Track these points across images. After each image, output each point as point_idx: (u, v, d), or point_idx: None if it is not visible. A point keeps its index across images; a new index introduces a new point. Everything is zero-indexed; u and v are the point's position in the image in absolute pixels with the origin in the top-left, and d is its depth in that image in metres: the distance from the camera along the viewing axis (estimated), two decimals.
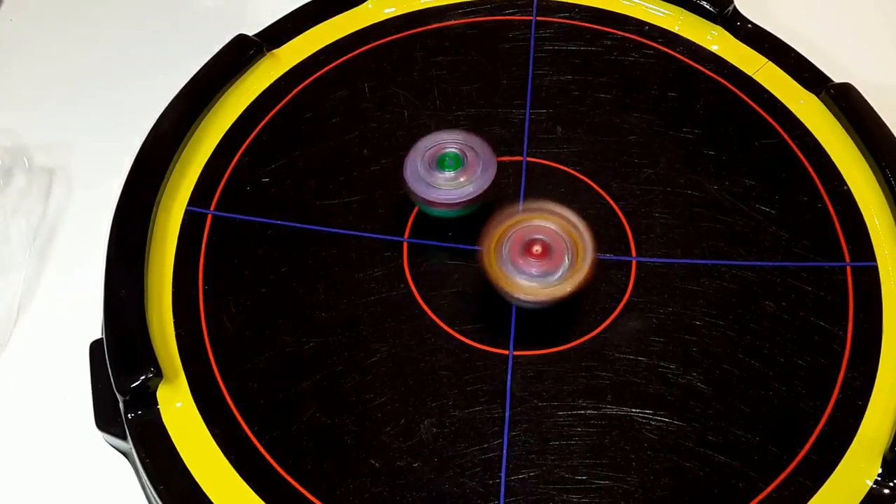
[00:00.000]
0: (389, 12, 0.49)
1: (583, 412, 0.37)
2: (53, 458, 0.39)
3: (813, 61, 0.47)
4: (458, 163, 0.40)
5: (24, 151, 0.45)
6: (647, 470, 0.36)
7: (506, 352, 0.38)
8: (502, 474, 0.36)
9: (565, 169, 0.44)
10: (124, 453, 0.38)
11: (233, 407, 0.37)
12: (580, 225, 0.38)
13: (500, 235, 0.38)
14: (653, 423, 0.37)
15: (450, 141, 0.41)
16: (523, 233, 0.38)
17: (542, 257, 0.37)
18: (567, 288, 0.37)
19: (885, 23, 0.52)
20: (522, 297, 0.37)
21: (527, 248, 0.37)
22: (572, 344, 0.39)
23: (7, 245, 0.42)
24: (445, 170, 0.40)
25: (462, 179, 0.40)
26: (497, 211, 0.38)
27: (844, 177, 0.43)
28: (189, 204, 0.42)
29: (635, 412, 0.37)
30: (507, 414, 0.37)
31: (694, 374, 0.38)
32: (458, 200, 0.39)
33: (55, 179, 0.45)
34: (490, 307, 0.40)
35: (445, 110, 0.45)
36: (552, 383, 0.38)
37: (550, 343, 0.39)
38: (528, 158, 0.44)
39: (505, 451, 0.36)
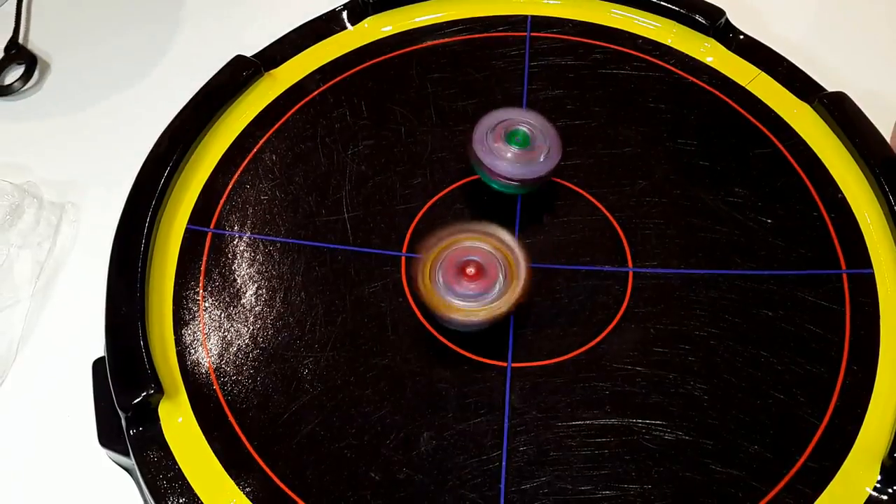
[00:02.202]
0: (386, 31, 0.49)
1: (582, 423, 0.37)
2: (58, 475, 0.39)
3: (806, 71, 0.47)
4: (526, 142, 0.41)
5: (34, 188, 0.46)
6: (646, 479, 0.36)
7: (504, 364, 0.39)
8: (502, 486, 0.36)
9: (561, 182, 0.44)
10: (127, 469, 0.39)
11: (233, 422, 0.37)
12: (511, 242, 0.38)
13: (432, 260, 0.38)
14: (652, 433, 0.37)
15: (524, 121, 0.41)
16: (456, 255, 0.38)
17: (476, 279, 0.37)
18: (503, 307, 0.37)
19: (877, 32, 0.53)
20: (460, 318, 0.37)
21: (461, 269, 0.37)
22: (570, 355, 0.39)
23: (12, 281, 0.43)
24: (512, 145, 0.41)
25: (530, 157, 0.41)
26: (429, 235, 0.39)
27: (839, 185, 0.44)
28: (189, 222, 0.42)
29: (635, 422, 0.37)
30: (505, 425, 0.37)
31: (692, 383, 0.38)
32: (514, 175, 0.40)
33: (65, 215, 0.46)
34: None
35: (442, 126, 0.46)
36: (551, 395, 0.38)
37: (548, 355, 0.39)
38: None
39: (504, 463, 0.36)
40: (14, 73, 0.51)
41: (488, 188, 0.43)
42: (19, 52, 0.51)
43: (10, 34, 0.52)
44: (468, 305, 0.37)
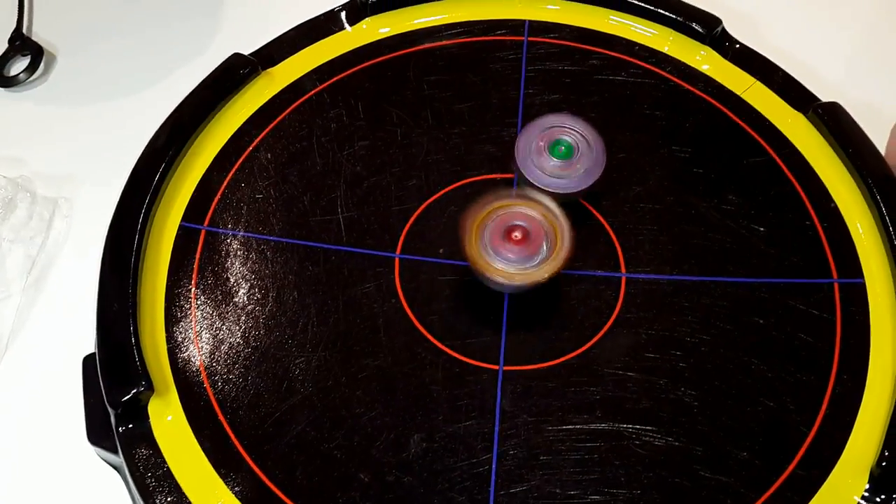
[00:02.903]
0: (384, 32, 0.49)
1: (572, 427, 0.37)
2: (46, 471, 0.39)
3: (801, 81, 0.47)
4: (569, 153, 0.41)
5: (28, 182, 0.46)
6: (636, 485, 0.36)
7: (496, 367, 0.39)
8: (491, 489, 0.36)
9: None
10: (115, 467, 0.39)
11: (223, 421, 0.37)
12: (560, 215, 0.38)
13: (482, 218, 0.38)
14: (642, 438, 0.37)
15: (568, 129, 0.41)
16: (505, 218, 0.38)
17: (521, 244, 0.38)
18: (543, 274, 0.37)
19: (872, 43, 0.53)
20: (499, 279, 0.37)
21: (507, 233, 0.38)
22: (562, 359, 0.39)
23: (3, 276, 0.43)
24: (554, 156, 0.41)
25: (566, 171, 0.41)
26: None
27: (832, 194, 0.44)
28: (183, 219, 0.42)
29: (625, 427, 0.37)
30: (496, 429, 0.37)
31: (683, 389, 0.38)
32: (552, 189, 0.40)
33: (57, 210, 0.46)
34: (481, 323, 0.40)
35: (438, 128, 0.46)
36: (542, 399, 0.38)
37: (540, 358, 0.39)
38: None
39: (494, 466, 0.36)
40: (18, 65, 0.51)
41: (482, 190, 0.43)
42: (24, 44, 0.51)
43: (13, 25, 0.52)
44: (510, 269, 0.37)
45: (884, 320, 0.40)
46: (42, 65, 0.51)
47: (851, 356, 0.39)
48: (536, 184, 0.41)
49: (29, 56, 0.51)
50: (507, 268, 0.37)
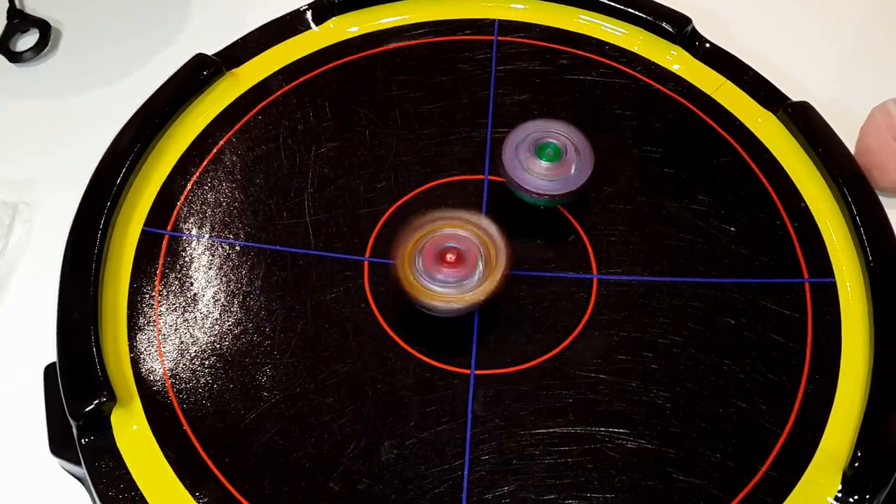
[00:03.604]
0: (351, 31, 0.49)
1: (545, 431, 0.37)
2: (8, 483, 0.38)
3: (771, 80, 0.47)
4: (557, 155, 0.40)
5: None
6: (609, 489, 0.36)
7: (467, 371, 0.38)
8: (464, 496, 0.35)
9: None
10: (79, 479, 0.38)
11: (189, 431, 0.36)
12: (493, 231, 0.38)
13: (413, 245, 0.38)
14: (615, 441, 0.37)
15: (555, 132, 0.41)
16: (437, 241, 0.38)
17: (455, 266, 0.37)
18: (481, 295, 0.37)
19: (842, 42, 0.53)
20: (438, 304, 0.37)
21: (440, 256, 0.37)
22: (534, 363, 0.39)
23: None
24: (542, 159, 0.40)
25: (555, 173, 0.40)
26: (410, 221, 0.38)
27: (802, 194, 0.44)
28: (145, 224, 0.41)
29: (597, 430, 0.37)
30: (468, 434, 0.37)
31: (655, 391, 0.38)
32: (543, 191, 0.40)
33: (17, 215, 0.45)
34: (451, 327, 0.39)
35: (407, 129, 0.45)
36: (514, 403, 0.38)
37: (512, 362, 0.39)
38: (490, 177, 0.44)
39: (466, 472, 0.36)
40: (23, 42, 0.51)
41: (452, 192, 0.43)
42: (24, 20, 0.50)
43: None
44: (447, 292, 0.37)
45: (855, 319, 0.40)
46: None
47: (823, 356, 0.39)
48: (528, 188, 0.40)
49: (37, 32, 0.50)
50: (444, 291, 0.37)
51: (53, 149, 0.48)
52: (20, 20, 0.51)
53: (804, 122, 0.45)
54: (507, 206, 0.43)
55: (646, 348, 0.39)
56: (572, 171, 0.40)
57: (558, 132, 0.41)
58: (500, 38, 0.49)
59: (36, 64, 0.51)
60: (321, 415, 0.37)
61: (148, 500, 0.35)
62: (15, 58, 0.50)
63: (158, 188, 0.42)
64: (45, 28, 0.50)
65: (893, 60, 0.52)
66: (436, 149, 0.45)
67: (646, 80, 0.47)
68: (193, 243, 0.41)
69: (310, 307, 0.40)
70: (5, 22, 0.51)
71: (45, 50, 0.50)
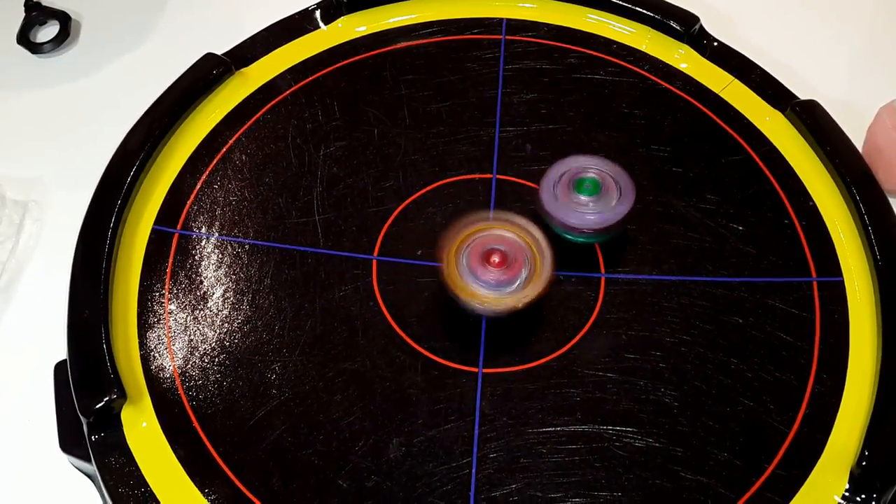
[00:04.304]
0: (360, 31, 0.49)
1: (552, 430, 0.37)
2: (18, 480, 0.38)
3: (779, 78, 0.47)
4: (596, 189, 0.39)
5: None
6: (616, 487, 0.36)
7: (475, 369, 0.38)
8: (471, 493, 0.35)
9: (535, 186, 0.43)
10: (89, 475, 0.38)
11: (198, 428, 0.36)
12: (540, 238, 0.38)
13: (460, 242, 0.38)
14: (623, 439, 0.37)
15: (593, 167, 0.40)
16: (483, 241, 0.38)
17: (500, 267, 0.37)
18: (523, 299, 0.37)
19: (850, 40, 0.53)
20: (477, 305, 0.37)
21: (486, 256, 0.37)
22: (542, 361, 0.39)
23: None
24: (581, 193, 0.39)
25: (594, 206, 0.39)
26: (462, 218, 0.38)
27: (810, 193, 0.44)
28: (155, 222, 0.42)
29: (605, 429, 0.37)
30: (476, 432, 0.37)
31: (663, 390, 0.38)
32: (581, 226, 0.39)
33: (28, 214, 0.45)
34: (460, 325, 0.39)
35: (415, 128, 0.45)
36: (522, 401, 0.38)
37: (520, 360, 0.39)
38: (498, 176, 0.44)
39: (474, 470, 0.36)
40: (44, 34, 0.51)
41: (460, 191, 0.43)
42: (42, 12, 0.51)
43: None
44: (488, 293, 0.37)
45: (863, 319, 0.40)
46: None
47: (831, 355, 0.39)
48: (569, 223, 0.39)
49: (57, 24, 0.51)
50: (487, 292, 0.37)
51: (64, 147, 0.48)
52: (38, 12, 0.51)
53: (812, 120, 0.45)
54: (514, 204, 0.43)
55: (654, 347, 0.39)
56: (614, 201, 0.39)
57: (595, 167, 0.40)
58: (508, 37, 0.49)
59: (57, 55, 0.51)
60: (330, 412, 0.37)
61: (157, 497, 0.35)
62: (36, 49, 0.50)
63: (168, 187, 0.43)
64: (64, 19, 0.51)
65: None
66: (444, 148, 0.45)
67: (654, 78, 0.47)
68: (203, 242, 0.41)
69: (318, 305, 0.40)
70: (23, 14, 0.51)
71: (67, 41, 0.51)
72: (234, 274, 0.41)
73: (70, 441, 0.37)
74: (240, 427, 0.37)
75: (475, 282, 0.37)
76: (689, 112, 0.46)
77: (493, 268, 0.37)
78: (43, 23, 0.51)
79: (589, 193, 0.39)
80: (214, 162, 0.44)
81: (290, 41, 0.48)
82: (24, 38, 0.50)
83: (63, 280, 0.39)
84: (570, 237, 0.40)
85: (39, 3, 0.51)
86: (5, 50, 0.51)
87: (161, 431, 0.36)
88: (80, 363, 0.37)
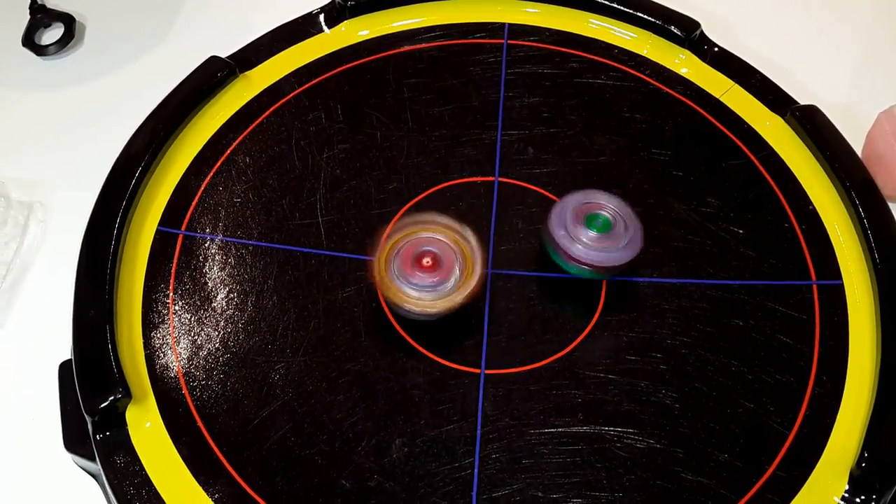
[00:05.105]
0: (363, 35, 0.49)
1: (554, 430, 0.37)
2: (22, 479, 0.39)
3: (778, 84, 0.48)
4: (606, 227, 0.39)
5: (2, 187, 0.45)
6: (617, 488, 0.36)
7: (477, 370, 0.39)
8: (473, 493, 0.36)
9: (537, 189, 0.44)
10: (93, 475, 0.38)
11: (202, 427, 0.37)
12: (470, 237, 0.38)
13: (390, 247, 0.38)
14: (624, 440, 0.37)
15: (606, 205, 0.40)
16: (414, 245, 0.38)
17: (432, 269, 0.37)
18: (458, 299, 0.37)
19: (849, 46, 0.53)
20: (412, 308, 0.37)
21: (417, 260, 0.37)
22: (544, 362, 0.39)
23: None
24: (591, 229, 0.39)
25: (603, 244, 0.39)
26: (387, 223, 0.39)
27: (810, 197, 0.44)
28: (160, 224, 0.42)
29: (606, 430, 0.37)
30: (478, 433, 0.37)
31: (664, 391, 0.38)
32: (590, 261, 0.38)
33: (32, 215, 0.45)
34: (462, 326, 0.40)
35: (418, 131, 0.46)
36: (524, 402, 0.38)
37: (522, 362, 0.39)
38: (500, 179, 0.44)
39: (476, 470, 0.36)
40: (48, 36, 0.51)
41: (462, 194, 0.43)
42: (47, 14, 0.51)
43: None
44: (422, 296, 0.37)
45: (862, 321, 0.40)
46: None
47: (830, 357, 0.39)
48: (581, 259, 0.39)
49: (62, 26, 0.51)
50: (419, 295, 0.37)
51: (69, 148, 0.48)
52: (43, 14, 0.51)
53: (812, 125, 0.46)
54: (516, 207, 0.43)
55: (654, 349, 0.39)
56: (621, 244, 0.39)
57: (606, 204, 0.40)
58: (510, 41, 0.49)
59: (62, 57, 0.51)
60: (333, 413, 0.37)
61: (162, 496, 0.35)
62: (41, 51, 0.50)
63: (173, 189, 0.43)
64: (69, 21, 0.51)
65: None
66: (446, 151, 0.45)
67: (654, 83, 0.48)
68: (207, 243, 0.42)
69: (322, 307, 0.40)
70: (28, 17, 0.51)
71: (72, 43, 0.51)
72: (237, 275, 0.41)
73: (74, 440, 0.37)
74: (243, 427, 0.37)
75: (408, 285, 0.37)
76: (689, 117, 0.47)
77: (424, 271, 0.37)
78: (48, 25, 0.52)
79: (598, 230, 0.39)
80: (219, 164, 0.44)
81: (293, 44, 0.48)
82: (29, 41, 0.51)
83: (68, 280, 0.39)
84: (572, 270, 0.39)
85: (44, 6, 0.52)
86: (11, 52, 0.51)
87: (165, 431, 0.36)
88: (84, 363, 0.37)
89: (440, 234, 0.38)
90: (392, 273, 0.37)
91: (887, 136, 0.45)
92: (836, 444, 0.37)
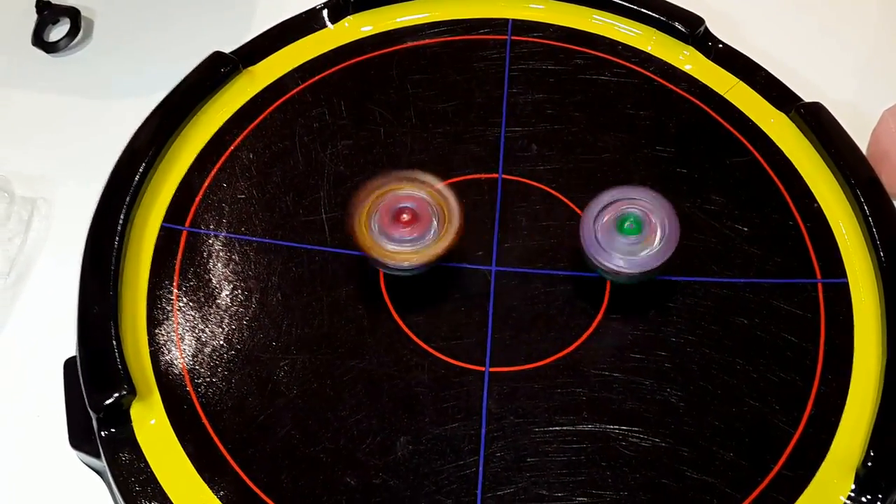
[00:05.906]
0: (366, 30, 0.49)
1: (559, 429, 0.37)
2: (27, 476, 0.39)
3: (783, 81, 0.48)
4: (638, 227, 0.38)
5: (5, 182, 0.45)
6: (622, 486, 0.36)
7: (482, 368, 0.39)
8: (478, 491, 0.36)
9: (540, 186, 0.44)
10: (98, 472, 0.38)
11: (207, 424, 0.37)
12: (444, 190, 0.38)
13: (369, 206, 0.38)
14: (629, 439, 0.37)
15: (635, 201, 0.38)
16: (391, 202, 0.38)
17: (410, 224, 0.38)
18: (437, 250, 0.37)
19: (854, 43, 0.53)
20: (392, 262, 0.38)
21: (396, 216, 0.38)
22: (548, 360, 0.39)
23: None
24: (624, 234, 0.38)
25: (639, 247, 0.38)
26: (366, 182, 0.39)
27: (814, 194, 0.44)
28: (164, 220, 0.42)
29: (611, 428, 0.37)
30: (483, 431, 0.37)
31: (669, 390, 0.38)
32: (626, 270, 0.38)
33: (36, 211, 0.45)
34: (467, 324, 0.40)
35: (421, 128, 0.45)
36: (528, 400, 0.38)
37: (526, 360, 0.39)
38: (504, 175, 0.44)
39: (481, 468, 0.36)
40: (56, 32, 0.51)
41: (466, 190, 0.43)
42: (53, 10, 0.51)
43: None
44: (402, 250, 0.38)
45: (867, 320, 0.40)
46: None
47: (836, 356, 0.39)
48: (613, 268, 0.38)
49: (68, 22, 0.51)
50: (400, 249, 0.38)
51: (72, 144, 0.48)
52: (49, 11, 0.51)
53: (817, 122, 0.45)
54: (520, 204, 0.43)
55: (659, 347, 0.39)
56: (656, 242, 0.38)
57: (637, 199, 0.38)
58: (514, 37, 0.49)
59: (69, 54, 0.51)
60: (337, 410, 0.37)
61: (167, 492, 0.35)
62: (50, 48, 0.50)
63: (176, 185, 0.43)
64: (74, 16, 0.51)
65: None
66: (450, 147, 0.45)
67: (658, 80, 0.48)
68: (211, 239, 0.42)
69: (326, 304, 0.40)
70: (36, 17, 0.51)
71: (79, 38, 0.51)
72: (241, 271, 0.41)
73: (79, 437, 0.37)
74: (248, 424, 0.37)
75: (389, 241, 0.38)
76: (693, 113, 0.47)
77: (404, 225, 0.38)
78: (55, 21, 0.51)
79: (631, 233, 0.37)
80: (222, 160, 0.44)
81: (297, 40, 0.48)
82: (39, 39, 0.50)
83: (72, 277, 0.39)
84: (621, 280, 0.39)
85: (49, 3, 0.51)
86: (21, 52, 0.51)
87: (170, 428, 0.36)
88: (89, 360, 0.37)
89: (416, 189, 0.39)
90: (372, 230, 0.38)
91: (892, 134, 0.45)
92: (842, 443, 0.37)
